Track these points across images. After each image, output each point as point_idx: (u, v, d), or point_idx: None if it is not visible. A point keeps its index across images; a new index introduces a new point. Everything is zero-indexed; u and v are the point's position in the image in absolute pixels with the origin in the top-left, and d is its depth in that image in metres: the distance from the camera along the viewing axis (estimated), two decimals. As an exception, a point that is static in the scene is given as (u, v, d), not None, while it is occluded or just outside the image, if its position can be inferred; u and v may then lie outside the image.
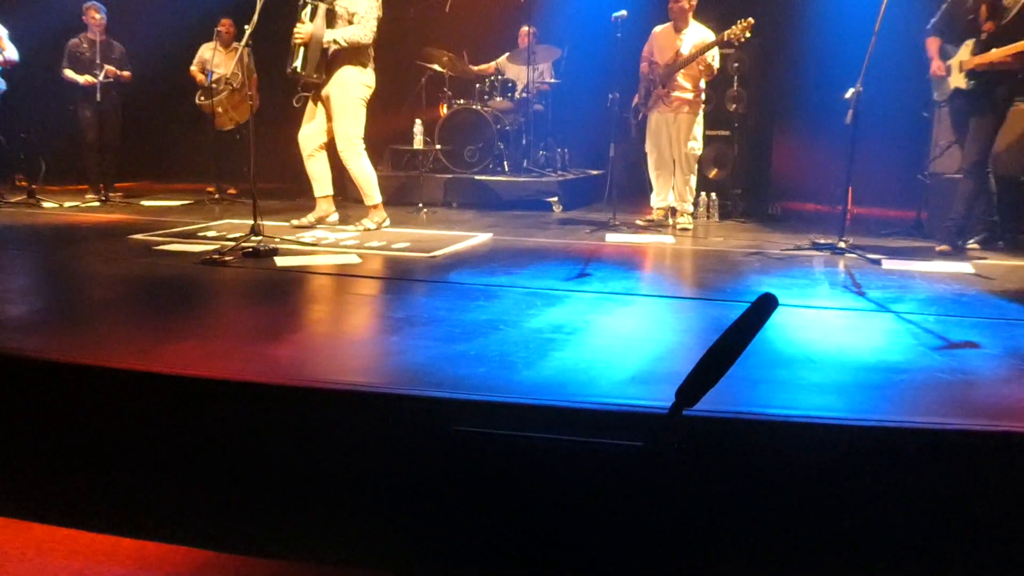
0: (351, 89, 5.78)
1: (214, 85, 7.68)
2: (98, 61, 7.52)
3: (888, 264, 4.93)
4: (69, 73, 7.80)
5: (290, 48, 5.72)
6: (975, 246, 5.45)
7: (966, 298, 4.09)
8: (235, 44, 7.90)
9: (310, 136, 5.94)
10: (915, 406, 2.58)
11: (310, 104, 5.94)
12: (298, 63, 5.67)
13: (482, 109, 7.89)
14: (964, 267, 4.87)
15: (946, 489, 2.17)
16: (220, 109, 7.55)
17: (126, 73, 7.96)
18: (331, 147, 6.02)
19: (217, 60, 7.94)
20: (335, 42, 5.66)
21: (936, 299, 4.03)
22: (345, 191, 7.59)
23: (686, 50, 6.15)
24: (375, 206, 6.01)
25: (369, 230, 5.90)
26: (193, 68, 8.16)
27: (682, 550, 2.21)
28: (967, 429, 2.31)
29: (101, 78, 7.63)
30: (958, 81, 5.27)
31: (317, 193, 6.08)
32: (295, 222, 6.04)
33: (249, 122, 5.37)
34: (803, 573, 2.19)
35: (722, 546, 2.20)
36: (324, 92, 5.83)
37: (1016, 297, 4.18)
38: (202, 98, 7.78)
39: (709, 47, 6.11)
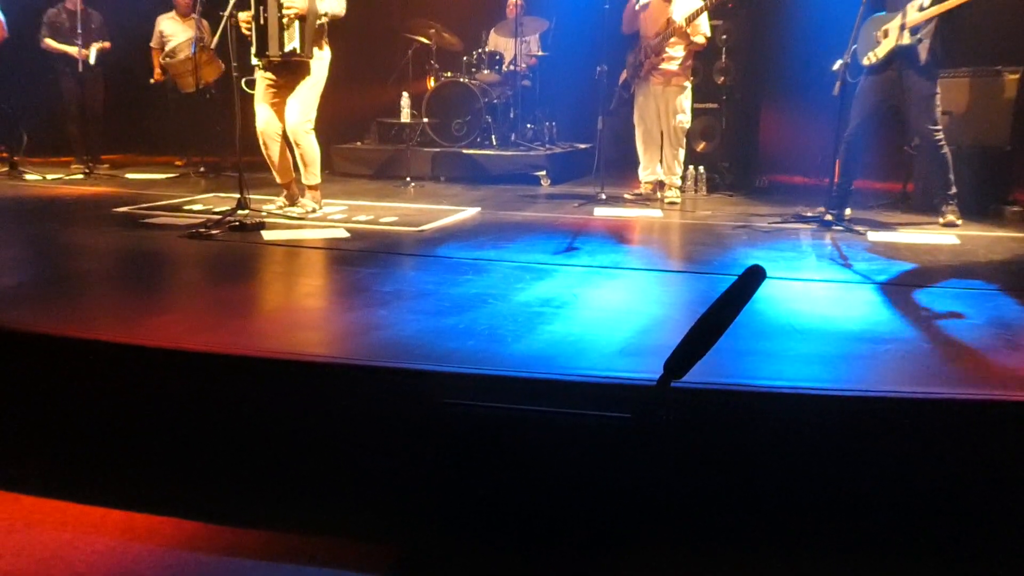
0: (324, 67, 5.35)
1: (175, 52, 7.63)
2: (79, 31, 7.40)
3: (874, 236, 4.95)
4: (51, 42, 7.68)
5: (267, 28, 5.07)
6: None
7: (951, 269, 4.12)
8: (192, 15, 7.84)
9: (271, 121, 5.36)
10: (900, 376, 2.60)
11: (265, 86, 5.33)
12: (296, 43, 5.07)
13: (469, 82, 7.82)
14: (949, 238, 4.90)
15: (931, 458, 2.19)
16: (189, 67, 7.44)
17: (106, 44, 7.88)
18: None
19: (175, 30, 7.96)
20: (325, 15, 5.22)
21: (921, 270, 4.05)
22: (331, 166, 7.55)
23: (678, 17, 6.11)
24: (315, 186, 5.51)
25: (313, 211, 5.42)
26: (152, 45, 8.09)
27: (671, 520, 2.23)
28: (951, 398, 2.34)
29: (93, 57, 7.59)
30: (900, 39, 5.18)
31: (283, 180, 5.56)
32: (271, 208, 5.51)
33: (234, 92, 5.24)
34: (791, 542, 2.22)
35: (711, 516, 2.22)
36: (294, 71, 5.27)
37: (1000, 267, 4.21)
38: (167, 59, 7.71)
39: (699, 12, 6.07)
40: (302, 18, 5.10)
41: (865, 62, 5.33)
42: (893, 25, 5.19)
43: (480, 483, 2.32)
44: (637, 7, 6.32)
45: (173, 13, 8.07)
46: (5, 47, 7.52)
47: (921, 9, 5.09)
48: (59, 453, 2.56)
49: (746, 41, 7.23)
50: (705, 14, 6.18)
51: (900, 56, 5.19)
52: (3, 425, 2.60)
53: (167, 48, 7.83)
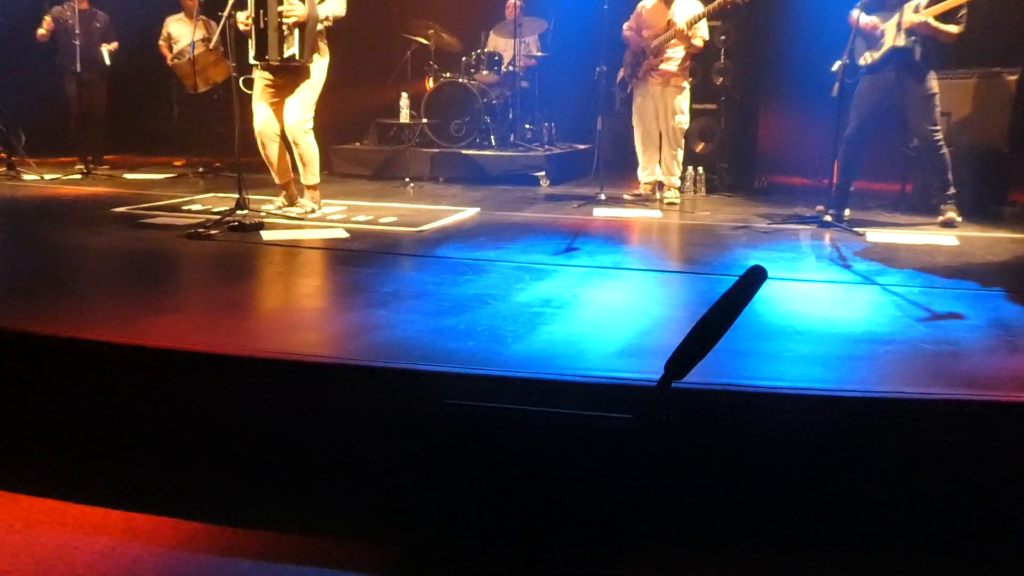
0: (323, 69, 5.36)
1: (183, 53, 7.62)
2: (78, 31, 7.37)
3: (873, 236, 4.95)
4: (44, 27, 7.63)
5: (266, 32, 5.07)
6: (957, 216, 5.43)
7: (950, 269, 4.12)
8: (201, 17, 7.82)
9: (269, 122, 5.35)
10: (900, 377, 2.60)
11: (263, 87, 5.33)
12: (295, 49, 5.08)
13: (468, 82, 7.82)
14: (948, 239, 4.90)
15: (932, 458, 2.19)
16: (197, 68, 7.42)
17: (114, 44, 7.88)
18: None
19: (183, 31, 7.92)
20: (326, 19, 5.22)
21: (920, 271, 4.06)
22: (330, 167, 7.54)
23: (679, 20, 6.11)
24: (314, 187, 5.51)
25: (312, 211, 5.43)
26: (161, 43, 8.09)
27: (671, 520, 2.23)
28: (951, 399, 2.34)
29: (108, 58, 7.72)
30: (896, 41, 5.20)
31: (282, 180, 5.56)
32: (270, 208, 5.50)
33: (234, 91, 5.24)
34: (791, 542, 2.22)
35: (711, 516, 2.22)
36: (292, 72, 5.27)
37: (999, 268, 4.21)
38: (175, 60, 7.71)
39: (702, 16, 6.08)
40: (302, 24, 5.10)
41: (861, 63, 5.33)
42: (890, 25, 5.19)
43: (480, 483, 2.32)
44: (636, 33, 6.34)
45: (182, 14, 8.03)
46: (3, 48, 7.51)
47: (916, 11, 5.10)
48: (59, 453, 2.55)
49: (745, 42, 7.23)
50: (704, 18, 6.18)
51: (897, 57, 5.20)
52: (3, 425, 2.60)
53: (175, 50, 7.83)
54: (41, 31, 7.59)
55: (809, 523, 2.21)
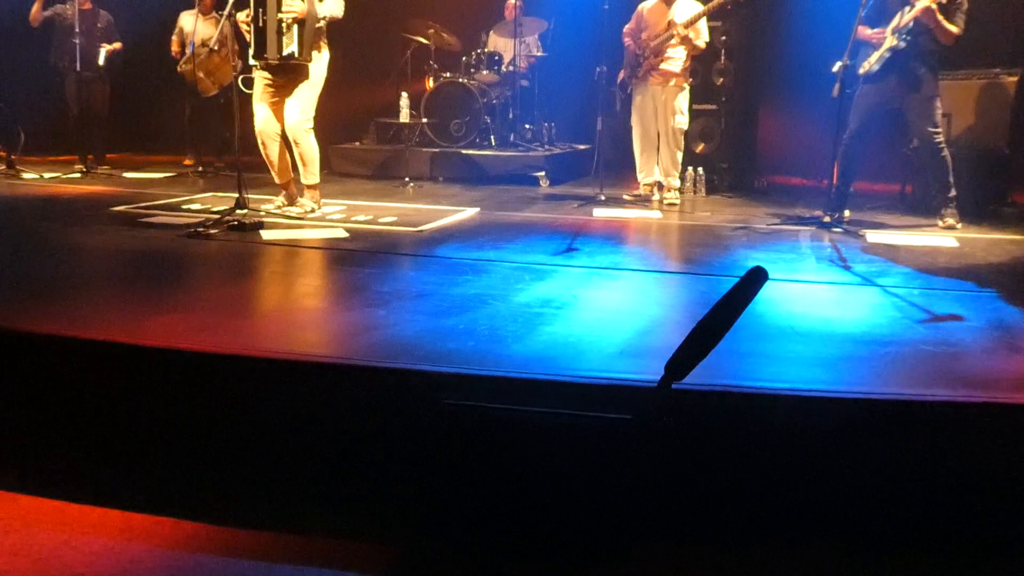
0: (323, 68, 5.36)
1: (195, 53, 7.59)
2: (78, 30, 7.36)
3: (873, 238, 4.95)
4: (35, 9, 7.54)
5: (265, 30, 5.05)
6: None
7: (950, 271, 4.12)
8: (215, 14, 7.78)
9: (270, 121, 5.35)
10: (900, 378, 2.60)
11: (264, 86, 5.33)
12: (294, 47, 5.07)
13: (468, 82, 7.82)
14: (947, 240, 4.91)
15: (931, 460, 2.19)
16: (202, 73, 7.40)
17: (117, 44, 7.86)
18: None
19: (197, 29, 7.85)
20: (324, 19, 5.22)
21: (920, 272, 4.06)
22: (330, 166, 7.53)
23: (679, 20, 6.11)
24: (314, 186, 5.50)
25: (311, 211, 5.42)
26: (174, 39, 8.04)
27: (671, 521, 2.23)
28: (952, 400, 2.34)
29: (103, 58, 7.65)
30: (892, 42, 5.21)
31: (282, 180, 5.56)
32: (270, 207, 5.49)
33: (233, 91, 5.25)
34: (791, 543, 2.22)
35: (711, 517, 2.22)
36: (292, 72, 5.27)
37: (999, 269, 4.21)
38: (184, 65, 7.69)
39: (701, 15, 6.08)
40: (300, 22, 5.09)
41: (860, 71, 5.33)
42: (888, 30, 5.21)
43: (480, 484, 2.32)
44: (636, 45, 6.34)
45: (196, 10, 7.86)
46: (3, 47, 7.50)
47: (902, 16, 5.12)
48: (58, 453, 2.55)
49: (745, 42, 7.23)
50: (704, 18, 6.18)
51: (896, 59, 5.20)
52: (3, 425, 2.59)
53: (186, 46, 7.79)
54: (34, 9, 7.51)
55: (809, 523, 2.21)
